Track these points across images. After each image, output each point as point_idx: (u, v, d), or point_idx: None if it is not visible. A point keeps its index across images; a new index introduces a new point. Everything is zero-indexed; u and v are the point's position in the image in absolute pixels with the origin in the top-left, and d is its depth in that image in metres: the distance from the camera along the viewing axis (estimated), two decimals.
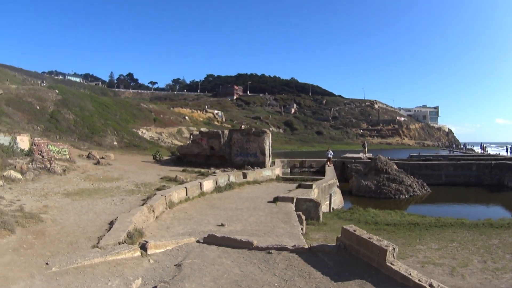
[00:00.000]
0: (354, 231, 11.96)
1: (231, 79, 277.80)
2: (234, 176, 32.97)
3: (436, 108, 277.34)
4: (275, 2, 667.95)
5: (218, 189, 28.78)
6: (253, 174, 36.08)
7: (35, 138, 35.73)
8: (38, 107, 68.32)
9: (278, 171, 41.68)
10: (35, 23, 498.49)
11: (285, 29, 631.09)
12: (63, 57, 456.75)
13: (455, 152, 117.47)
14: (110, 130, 73.48)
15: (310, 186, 30.51)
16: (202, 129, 63.52)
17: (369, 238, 11.15)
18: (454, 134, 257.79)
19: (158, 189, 25.13)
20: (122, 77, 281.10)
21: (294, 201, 24.55)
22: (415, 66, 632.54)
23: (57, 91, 79.10)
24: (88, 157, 42.58)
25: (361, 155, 66.11)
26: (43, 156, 31.55)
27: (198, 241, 13.63)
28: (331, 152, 56.32)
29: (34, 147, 32.71)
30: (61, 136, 58.96)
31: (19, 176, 25.76)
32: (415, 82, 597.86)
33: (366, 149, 70.31)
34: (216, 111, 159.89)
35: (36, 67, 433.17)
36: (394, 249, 10.42)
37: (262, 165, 42.24)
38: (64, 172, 30.84)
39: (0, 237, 12.65)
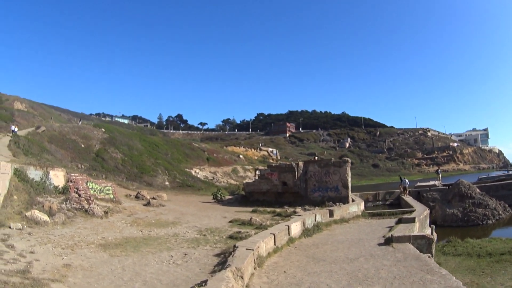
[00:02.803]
0: None
1: (282, 117, 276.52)
2: (320, 215, 27.16)
3: (486, 130, 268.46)
4: (318, 40, 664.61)
5: (306, 232, 22.97)
6: (339, 211, 30.53)
7: (72, 174, 29.85)
8: (83, 145, 63.91)
9: (362, 206, 35.77)
10: (82, 65, 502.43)
11: (332, 64, 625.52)
12: (111, 100, 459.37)
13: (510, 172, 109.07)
14: (161, 169, 68.15)
15: (412, 220, 25.36)
16: (259, 167, 57.35)
17: None
18: (504, 155, 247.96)
19: (231, 237, 19.21)
20: (171, 119, 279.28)
21: (411, 240, 19.43)
22: (462, 89, 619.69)
23: (103, 130, 75.31)
24: (136, 197, 37.15)
25: (436, 182, 60.62)
26: (79, 195, 26.26)
27: None
28: (406, 181, 51.24)
29: (70, 184, 27.51)
30: (107, 176, 53.89)
31: (45, 217, 20.22)
32: (463, 106, 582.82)
33: (440, 175, 65.27)
34: (270, 149, 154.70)
35: (84, 109, 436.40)
36: None
37: (344, 200, 36.23)
38: (106, 214, 25.00)
39: None
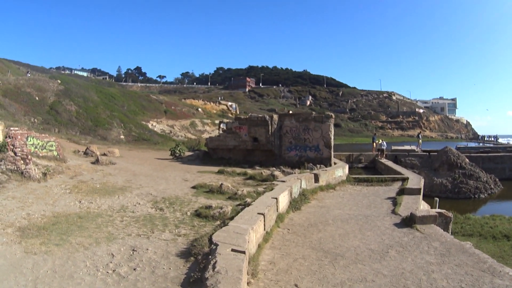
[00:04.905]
0: None
1: (242, 72, 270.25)
2: (305, 180, 22.10)
3: (454, 99, 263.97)
4: None
5: (294, 204, 17.85)
6: (325, 175, 25.38)
7: (12, 128, 24.48)
8: (37, 98, 58.86)
9: (347, 169, 30.55)
10: (43, 19, 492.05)
11: (295, 20, 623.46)
12: (71, 53, 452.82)
13: (486, 145, 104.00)
14: (117, 122, 62.94)
15: (418, 192, 22.04)
16: (214, 120, 52.39)
17: None
18: (472, 127, 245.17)
19: (199, 215, 13.81)
20: (130, 71, 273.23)
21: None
22: (431, 57, 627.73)
23: (59, 81, 69.66)
24: (85, 153, 31.79)
25: (415, 147, 56.82)
26: (15, 153, 20.64)
27: None
28: (384, 143, 48.26)
29: (8, 140, 22.11)
30: (60, 129, 50.18)
31: None
32: (430, 74, 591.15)
33: (421, 140, 61.68)
34: (229, 103, 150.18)
35: (44, 63, 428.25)
36: None
37: (326, 162, 31.47)
38: (45, 176, 19.72)
39: None
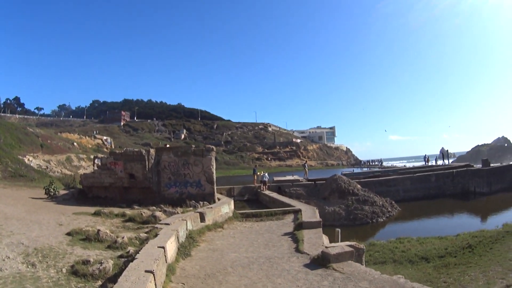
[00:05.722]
0: None
1: (118, 105, 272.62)
2: (190, 220, 20.05)
3: (332, 128, 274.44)
4: (157, 27, 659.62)
5: (182, 250, 15.80)
6: (211, 214, 23.51)
7: None
8: None
9: (232, 205, 28.59)
10: None
11: (170, 53, 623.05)
12: None
13: (373, 169, 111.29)
14: None
15: (318, 225, 20.28)
16: (93, 154, 49.48)
17: None
18: (353, 153, 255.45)
19: (75, 273, 11.07)
20: (9, 101, 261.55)
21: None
22: (307, 87, 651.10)
23: None
24: None
25: (297, 177, 57.49)
26: None
27: None
28: (266, 175, 47.82)
29: None
30: None
31: None
32: (307, 104, 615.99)
33: (307, 169, 63.42)
34: (104, 137, 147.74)
35: None
36: None
37: (209, 198, 29.37)
38: None
39: None
